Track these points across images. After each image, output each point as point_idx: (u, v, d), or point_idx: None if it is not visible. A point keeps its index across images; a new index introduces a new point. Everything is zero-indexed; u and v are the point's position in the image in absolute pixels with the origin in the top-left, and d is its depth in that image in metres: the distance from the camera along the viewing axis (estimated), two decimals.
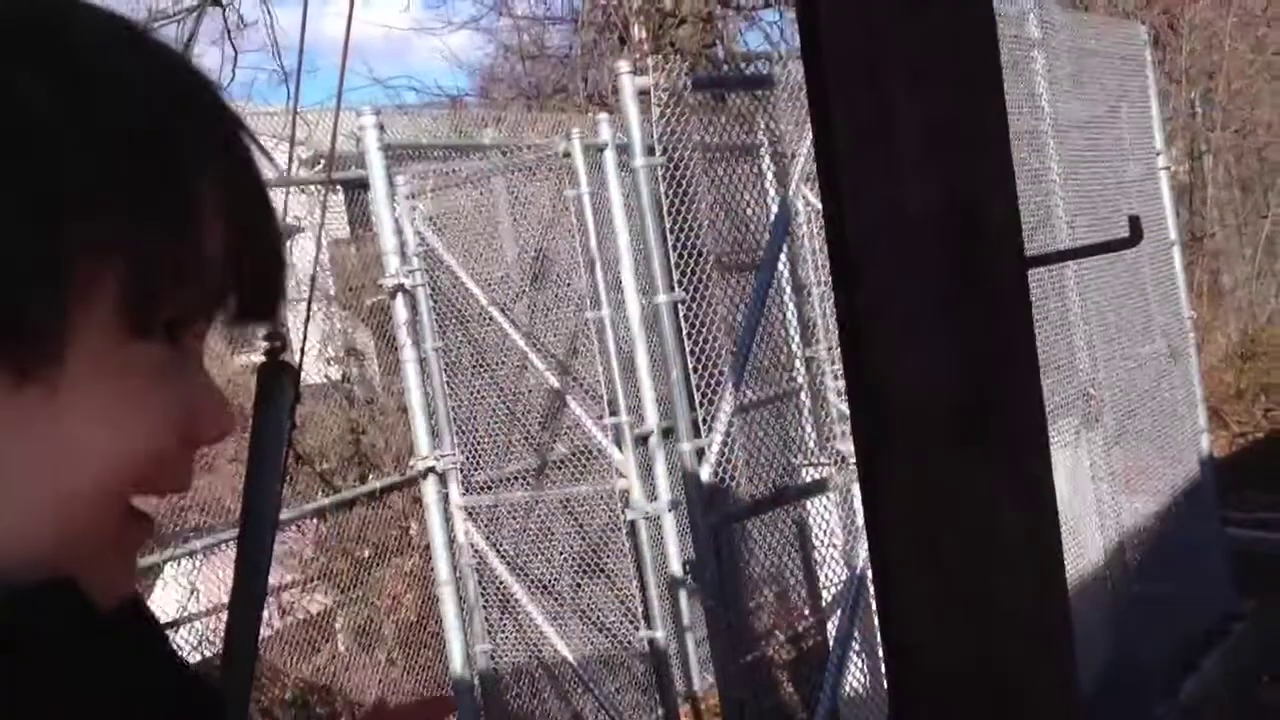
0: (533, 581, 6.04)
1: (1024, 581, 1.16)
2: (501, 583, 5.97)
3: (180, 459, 0.59)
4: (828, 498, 4.74)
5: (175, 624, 5.90)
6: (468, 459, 5.97)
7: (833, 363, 4.89)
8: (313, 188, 6.89)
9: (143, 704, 0.56)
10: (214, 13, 9.42)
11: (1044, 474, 1.15)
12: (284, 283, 0.62)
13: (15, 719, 0.49)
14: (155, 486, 0.59)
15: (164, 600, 6.18)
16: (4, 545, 0.53)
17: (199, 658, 6.14)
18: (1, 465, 0.53)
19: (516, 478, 6.05)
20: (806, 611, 5.16)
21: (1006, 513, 1.13)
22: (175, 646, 0.66)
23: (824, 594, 4.94)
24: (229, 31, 9.33)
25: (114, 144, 0.54)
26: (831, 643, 4.69)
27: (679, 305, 4.39)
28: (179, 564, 5.96)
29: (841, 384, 4.82)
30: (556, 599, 6.09)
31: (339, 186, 7.22)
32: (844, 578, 4.77)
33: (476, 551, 5.98)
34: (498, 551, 5.98)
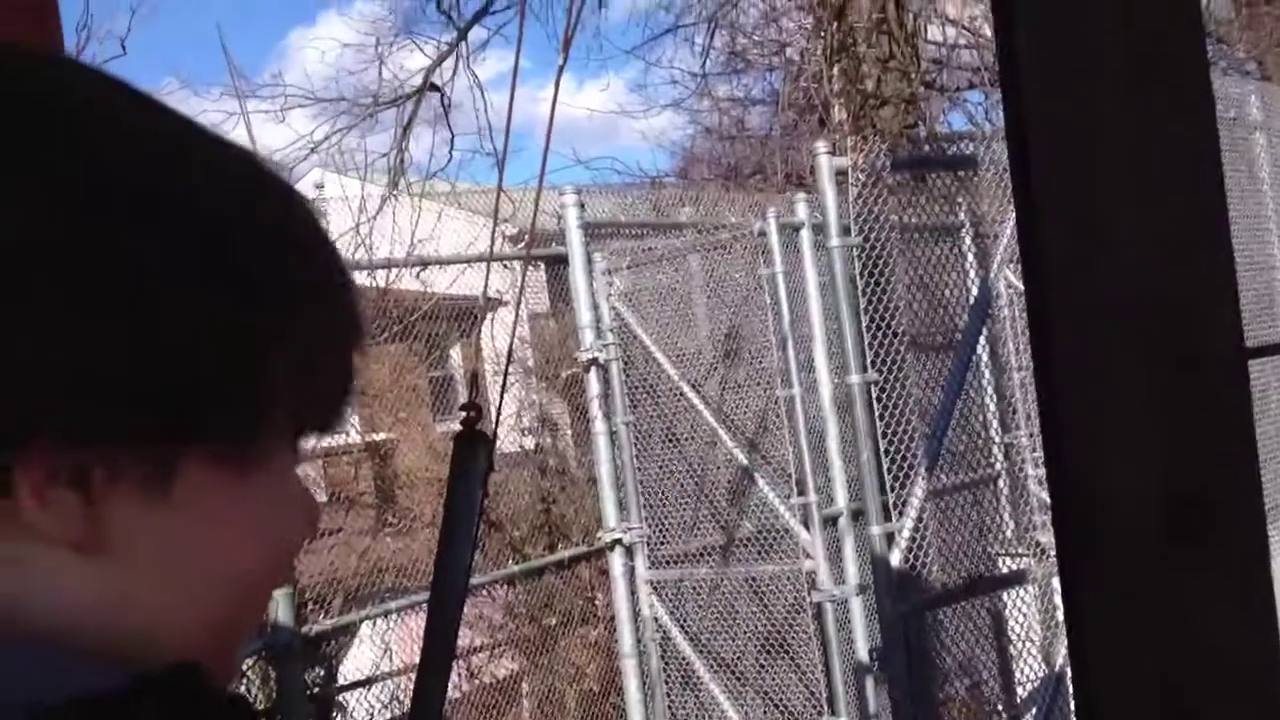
0: (716, 659, 5.98)
1: (1236, 697, 1.08)
2: (684, 659, 5.92)
3: (300, 549, 0.63)
4: (1026, 590, 4.55)
5: (369, 681, 6.06)
6: (654, 533, 5.98)
7: (1034, 449, 4.73)
8: (516, 263, 7.10)
9: None
10: (430, 96, 9.91)
11: (1262, 579, 1.08)
12: (349, 396, 0.64)
13: None
14: (282, 577, 0.62)
15: (359, 658, 6.36)
16: (169, 627, 0.55)
17: (390, 716, 6.28)
18: (191, 549, 0.55)
19: (702, 554, 6.02)
20: (1000, 708, 4.94)
21: (1219, 621, 1.07)
22: None
23: (1019, 691, 4.73)
24: (447, 115, 9.80)
25: (282, 239, 0.58)
26: None
27: (872, 386, 4.33)
28: (374, 623, 6.14)
29: (1043, 472, 4.65)
30: (740, 679, 6.01)
31: (540, 262, 7.42)
32: (1041, 675, 4.56)
33: (660, 626, 5.97)
34: (682, 627, 5.95)
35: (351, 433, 7.42)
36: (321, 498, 7.35)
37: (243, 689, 5.28)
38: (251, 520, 0.57)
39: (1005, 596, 4.59)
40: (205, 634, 0.56)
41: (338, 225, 6.67)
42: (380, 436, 7.75)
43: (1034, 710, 4.50)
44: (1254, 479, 1.11)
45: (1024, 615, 4.58)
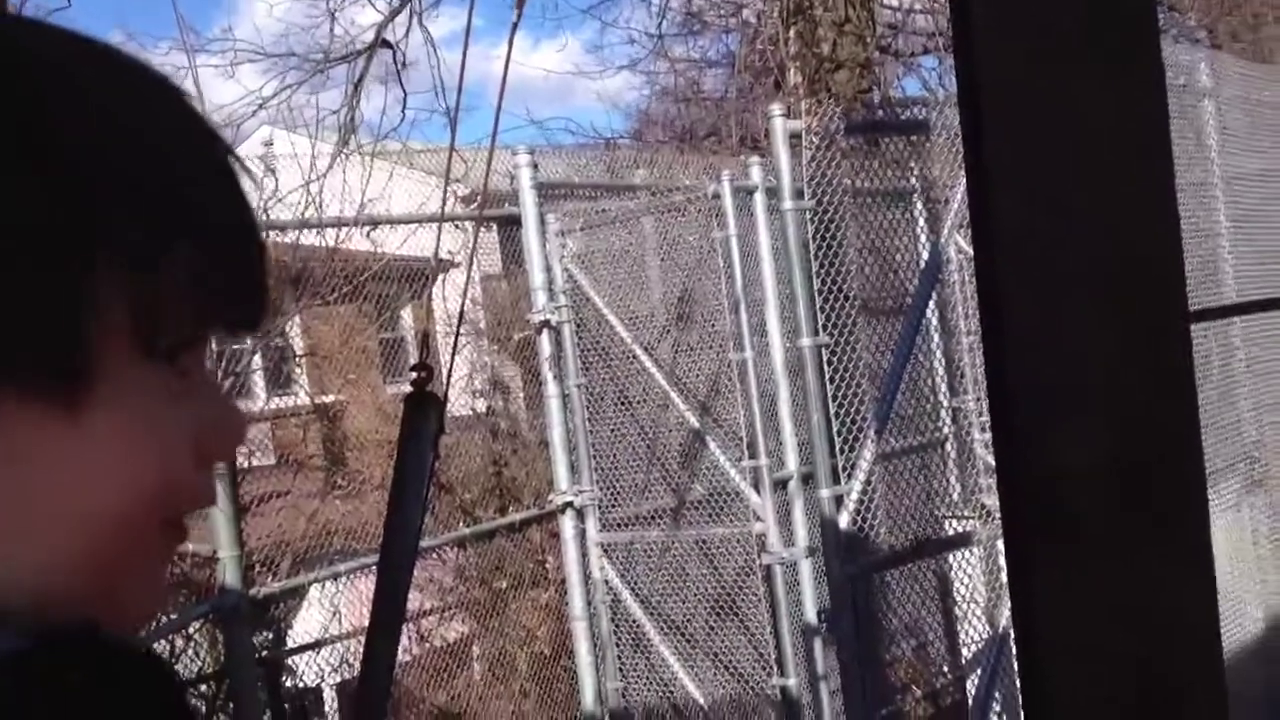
0: (666, 621, 6.02)
1: (1178, 654, 1.10)
2: (635, 621, 5.96)
3: (197, 476, 0.58)
4: (971, 552, 4.61)
5: (318, 644, 6.04)
6: (606, 496, 6.00)
7: (980, 414, 4.78)
8: (468, 224, 7.05)
9: None
10: (383, 53, 9.78)
11: (1205, 545, 1.10)
12: (263, 289, 0.60)
13: None
14: (176, 505, 0.58)
15: (308, 621, 6.34)
16: (34, 579, 0.53)
17: (339, 679, 6.28)
18: (30, 496, 0.52)
19: (653, 516, 6.05)
20: (945, 669, 5.02)
21: (1172, 587, 1.08)
22: (192, 702, 0.64)
23: (964, 651, 4.80)
24: (399, 73, 9.68)
25: (127, 170, 0.54)
26: (971, 702, 4.55)
27: (823, 349, 4.35)
28: (323, 586, 6.12)
29: (989, 436, 4.71)
30: (689, 640, 6.05)
31: (492, 223, 7.37)
32: (986, 636, 4.63)
33: (611, 588, 5.99)
34: (632, 589, 5.98)
35: (300, 394, 7.36)
36: (269, 460, 7.30)
37: (190, 652, 5.25)
38: (99, 455, 0.53)
39: (951, 558, 4.66)
40: (82, 580, 0.54)
41: (287, 183, 6.59)
42: (329, 398, 7.70)
43: (979, 670, 4.57)
44: (1198, 445, 1.12)
45: (969, 577, 4.64)
